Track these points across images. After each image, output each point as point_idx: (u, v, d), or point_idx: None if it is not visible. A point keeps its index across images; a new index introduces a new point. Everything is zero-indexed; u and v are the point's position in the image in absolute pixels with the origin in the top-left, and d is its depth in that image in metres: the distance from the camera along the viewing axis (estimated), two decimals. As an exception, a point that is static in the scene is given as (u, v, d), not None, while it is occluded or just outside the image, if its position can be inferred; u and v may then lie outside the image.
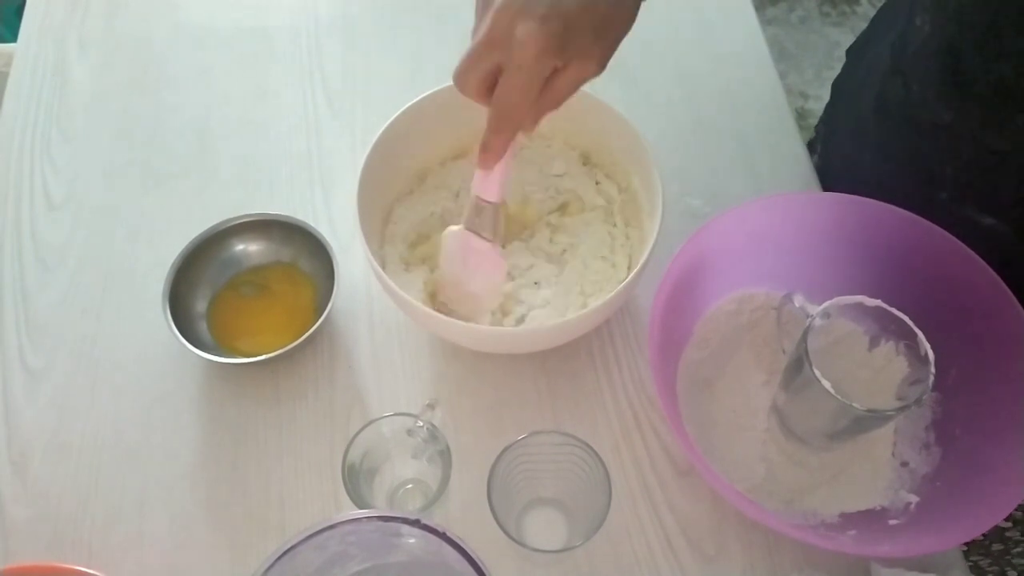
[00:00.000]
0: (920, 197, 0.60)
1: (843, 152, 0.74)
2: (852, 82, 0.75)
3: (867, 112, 0.68)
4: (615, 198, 0.66)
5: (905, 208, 0.58)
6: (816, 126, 0.84)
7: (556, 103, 0.49)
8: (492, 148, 0.51)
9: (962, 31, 0.55)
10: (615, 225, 0.66)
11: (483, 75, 0.48)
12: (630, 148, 0.62)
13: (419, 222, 0.66)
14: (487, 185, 0.54)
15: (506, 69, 0.46)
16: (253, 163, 0.75)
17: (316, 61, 0.82)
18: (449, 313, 0.61)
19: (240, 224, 0.66)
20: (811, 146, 0.81)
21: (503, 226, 0.58)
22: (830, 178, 0.73)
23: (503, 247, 0.60)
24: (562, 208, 0.67)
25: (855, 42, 0.77)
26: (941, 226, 0.57)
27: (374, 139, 0.60)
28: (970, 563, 0.78)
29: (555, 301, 0.61)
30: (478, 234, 0.57)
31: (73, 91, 0.80)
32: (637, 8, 0.50)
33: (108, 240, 0.71)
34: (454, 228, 0.58)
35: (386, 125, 0.61)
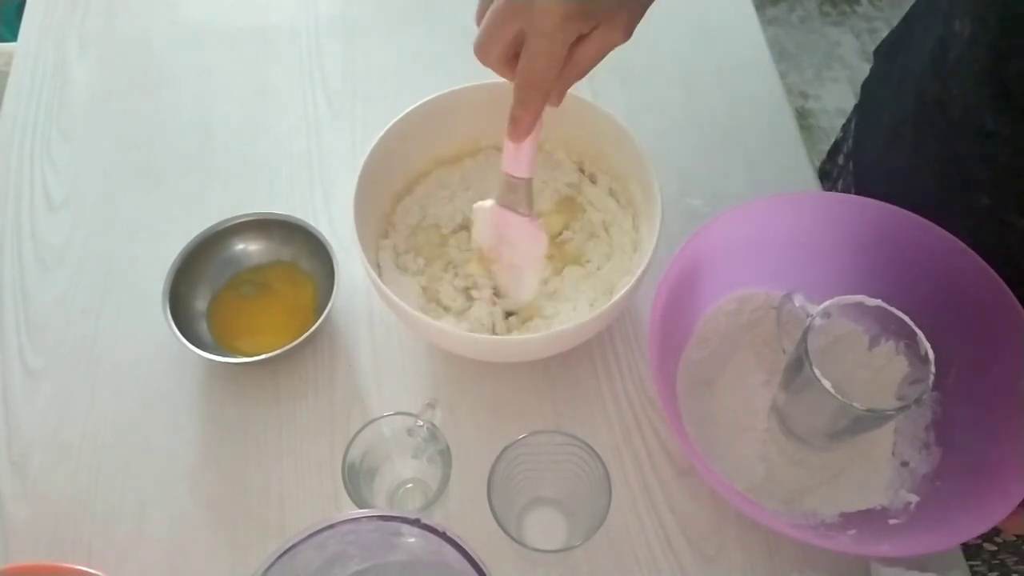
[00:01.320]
0: (959, 201, 0.59)
1: (876, 154, 0.73)
2: (886, 86, 0.74)
3: (905, 116, 0.67)
4: (612, 203, 0.66)
5: (943, 212, 0.57)
6: (844, 125, 0.83)
7: (582, 72, 0.48)
8: (521, 120, 0.50)
9: (1006, 37, 0.54)
10: (606, 231, 0.66)
11: (505, 44, 0.47)
12: (628, 157, 0.62)
13: (415, 225, 0.66)
14: (517, 161, 0.54)
15: (529, 36, 0.46)
16: (253, 163, 0.75)
17: (316, 61, 0.82)
18: (496, 287, 0.61)
19: (240, 224, 0.66)
20: (837, 146, 0.80)
21: (534, 200, 0.58)
22: (863, 180, 0.72)
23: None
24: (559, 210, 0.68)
25: (882, 44, 0.76)
26: (980, 230, 0.56)
27: (370, 146, 0.60)
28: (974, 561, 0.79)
29: (563, 309, 0.61)
30: (514, 210, 0.56)
31: (73, 91, 0.80)
32: None
33: (108, 240, 0.71)
34: (484, 204, 0.58)
35: (382, 132, 0.61)
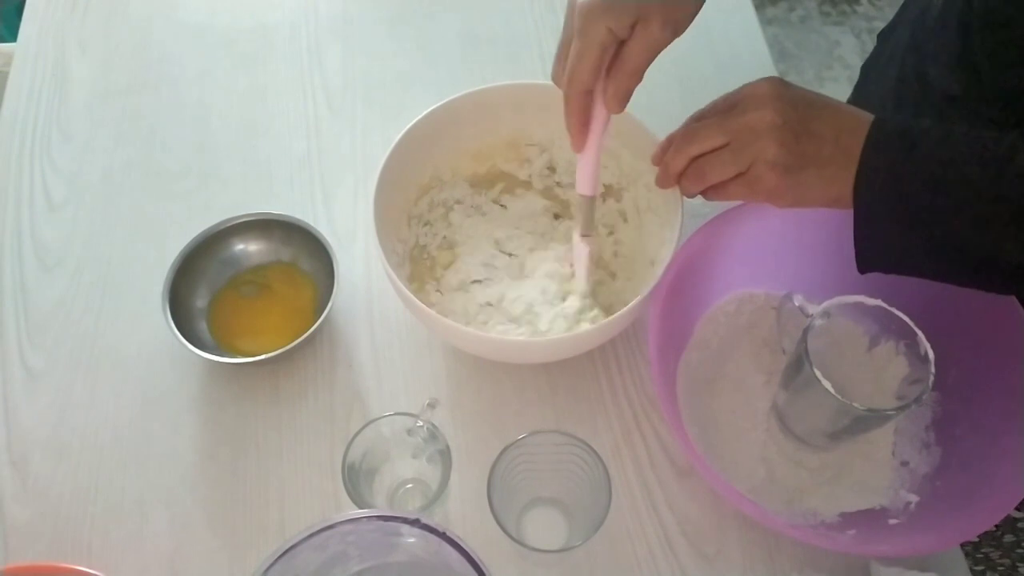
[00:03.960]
0: None
1: None
2: (878, 63, 0.76)
3: (888, 89, 0.69)
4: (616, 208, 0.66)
5: None
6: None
7: (630, 72, 0.48)
8: (569, 126, 0.51)
9: (970, 7, 0.56)
10: (611, 233, 0.66)
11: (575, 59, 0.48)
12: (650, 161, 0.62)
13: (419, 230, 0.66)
14: (580, 177, 0.55)
15: (572, 40, 0.48)
16: (253, 163, 0.75)
17: (316, 61, 0.82)
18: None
19: (240, 224, 0.66)
20: None
21: (593, 221, 0.58)
22: None
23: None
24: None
25: (886, 27, 0.78)
26: None
27: (388, 150, 0.60)
28: (980, 555, 0.79)
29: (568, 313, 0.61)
30: (586, 235, 0.58)
31: (73, 91, 0.80)
32: None
33: (108, 240, 0.71)
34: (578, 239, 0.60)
35: (396, 140, 0.60)
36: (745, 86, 0.51)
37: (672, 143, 0.53)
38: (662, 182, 0.55)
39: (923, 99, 0.64)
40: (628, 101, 0.50)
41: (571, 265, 0.61)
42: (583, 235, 0.58)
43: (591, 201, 0.56)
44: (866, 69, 0.81)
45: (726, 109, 0.50)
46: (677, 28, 0.48)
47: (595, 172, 0.54)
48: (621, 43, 0.48)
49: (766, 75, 0.51)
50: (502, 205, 0.68)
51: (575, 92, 0.49)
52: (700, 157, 0.51)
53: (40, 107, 0.78)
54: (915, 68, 0.65)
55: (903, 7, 0.76)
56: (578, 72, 0.48)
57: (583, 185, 0.55)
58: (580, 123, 0.51)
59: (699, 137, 0.50)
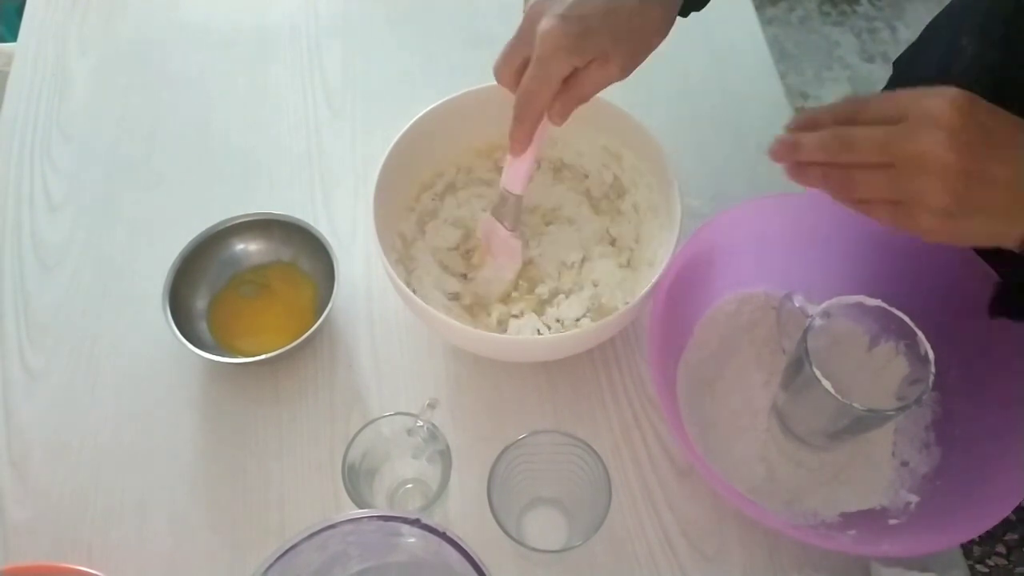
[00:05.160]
0: None
1: None
2: None
3: None
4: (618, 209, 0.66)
5: None
6: None
7: (580, 98, 0.52)
8: (515, 136, 0.54)
9: (1005, 59, 0.54)
10: (607, 232, 0.66)
11: (515, 68, 0.52)
12: (652, 162, 0.62)
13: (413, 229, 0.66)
14: (512, 176, 0.58)
15: (532, 61, 0.50)
16: (253, 163, 0.75)
17: (316, 60, 0.82)
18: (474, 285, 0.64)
19: (240, 224, 0.66)
20: None
21: (520, 217, 0.61)
22: None
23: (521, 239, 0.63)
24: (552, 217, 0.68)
25: (902, 54, 0.76)
26: (982, 251, 0.55)
27: (388, 149, 0.60)
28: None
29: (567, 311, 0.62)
30: (501, 222, 0.60)
31: (73, 91, 0.80)
32: (666, 23, 0.53)
33: (108, 240, 0.71)
34: (486, 214, 0.62)
35: (396, 139, 0.60)
36: (924, 94, 0.43)
37: (811, 124, 0.46)
38: (790, 167, 0.48)
39: None
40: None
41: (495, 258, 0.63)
42: (511, 230, 0.60)
43: (520, 199, 0.59)
44: None
45: (896, 116, 0.43)
46: (628, 70, 0.52)
47: (530, 173, 0.58)
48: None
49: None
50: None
51: (530, 112, 0.52)
52: (852, 166, 0.45)
53: (40, 107, 0.78)
54: None
55: (921, 39, 0.73)
56: (536, 96, 0.51)
57: (515, 184, 0.58)
58: (527, 136, 0.54)
59: (857, 148, 0.43)
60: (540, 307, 0.62)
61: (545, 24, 0.48)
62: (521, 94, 0.51)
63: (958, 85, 0.43)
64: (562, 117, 0.52)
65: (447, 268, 0.65)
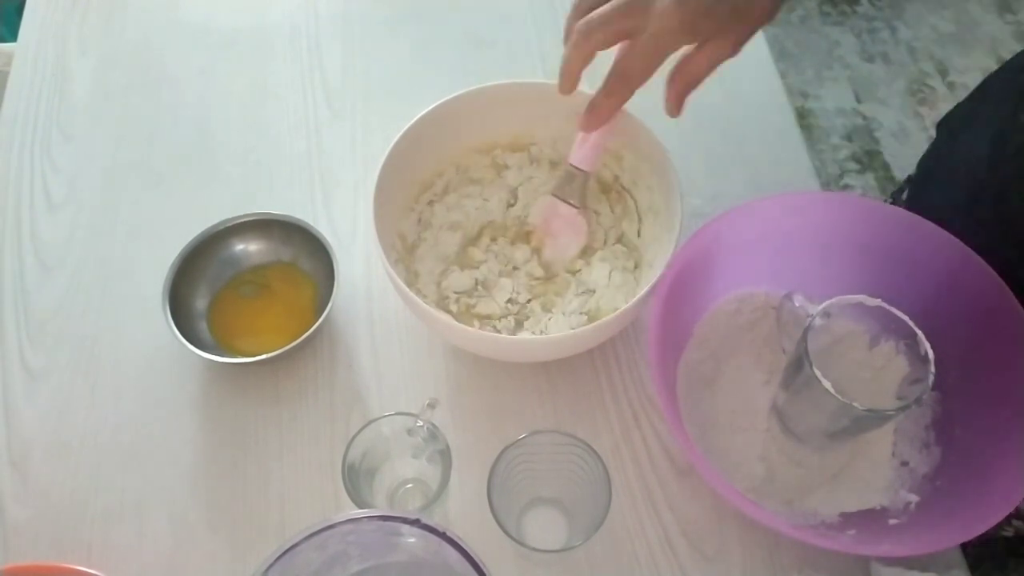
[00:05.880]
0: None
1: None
2: (942, 168, 0.73)
3: (959, 200, 0.66)
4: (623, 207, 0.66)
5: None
6: (894, 193, 0.82)
7: (694, 81, 0.51)
8: (600, 109, 0.53)
9: None
10: (607, 233, 0.66)
11: (611, 35, 0.50)
12: (653, 163, 0.62)
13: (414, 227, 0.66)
14: (583, 153, 0.57)
15: (638, 36, 0.48)
16: (253, 162, 0.75)
17: (316, 60, 0.82)
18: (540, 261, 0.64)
19: (240, 224, 0.66)
20: (895, 195, 0.80)
21: (590, 196, 0.61)
22: None
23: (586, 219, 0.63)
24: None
25: (946, 117, 0.75)
26: None
27: (388, 149, 0.60)
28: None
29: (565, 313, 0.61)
30: (565, 201, 0.60)
31: (73, 91, 0.80)
32: (777, 3, 0.51)
33: (108, 240, 0.71)
34: (545, 196, 0.62)
35: (395, 140, 0.60)
36: None
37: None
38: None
39: (999, 231, 0.60)
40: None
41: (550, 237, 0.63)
42: (577, 207, 0.60)
43: (589, 176, 0.59)
44: (926, 166, 0.77)
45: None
46: (740, 47, 0.51)
47: (601, 151, 0.58)
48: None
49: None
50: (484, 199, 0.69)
51: (628, 88, 0.51)
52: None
53: (40, 107, 0.78)
54: (991, 186, 0.61)
55: (970, 103, 0.71)
56: (640, 73, 0.50)
57: (587, 162, 0.57)
58: (612, 111, 0.53)
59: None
60: (547, 303, 0.63)
61: (665, 2, 0.47)
62: (622, 68, 0.50)
63: (1015, 163, 0.44)
64: (679, 106, 0.52)
65: (447, 268, 0.65)
